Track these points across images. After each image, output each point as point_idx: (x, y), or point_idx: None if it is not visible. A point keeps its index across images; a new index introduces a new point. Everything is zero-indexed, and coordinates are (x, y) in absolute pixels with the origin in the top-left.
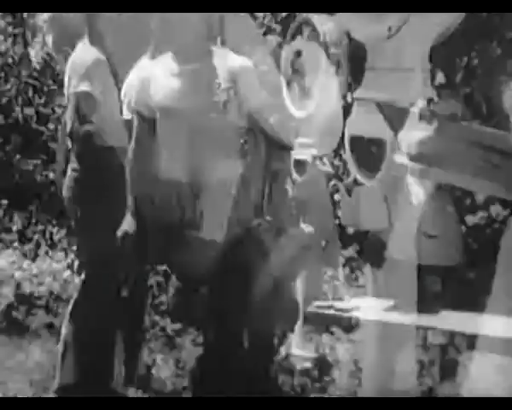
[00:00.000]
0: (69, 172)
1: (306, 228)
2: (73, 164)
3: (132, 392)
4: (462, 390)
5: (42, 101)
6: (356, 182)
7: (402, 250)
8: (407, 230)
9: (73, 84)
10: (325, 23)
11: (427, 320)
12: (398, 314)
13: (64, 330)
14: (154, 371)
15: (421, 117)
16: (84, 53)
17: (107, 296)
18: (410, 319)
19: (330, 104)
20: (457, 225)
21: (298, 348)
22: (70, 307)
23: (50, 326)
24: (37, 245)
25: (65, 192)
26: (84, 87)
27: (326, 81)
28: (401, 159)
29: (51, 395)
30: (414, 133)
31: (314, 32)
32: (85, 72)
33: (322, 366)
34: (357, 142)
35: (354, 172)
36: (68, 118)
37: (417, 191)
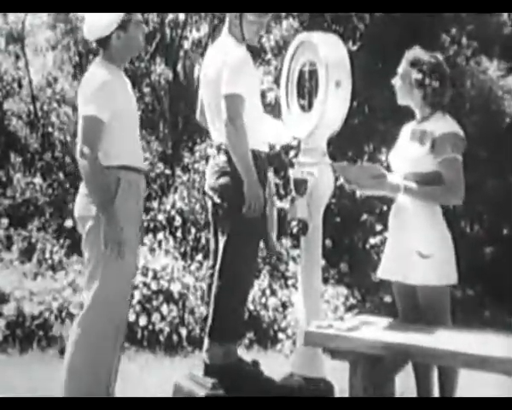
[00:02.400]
0: None
1: None
2: None
3: None
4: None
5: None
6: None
7: (392, 271)
8: (399, 250)
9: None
10: (326, 44)
11: (423, 340)
12: (397, 333)
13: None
14: None
15: (413, 136)
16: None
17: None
18: (408, 338)
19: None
20: (451, 245)
21: (298, 368)
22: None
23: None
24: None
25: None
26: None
27: (326, 100)
28: (394, 179)
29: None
30: (405, 152)
31: (314, 52)
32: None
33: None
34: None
35: None
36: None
37: (410, 211)
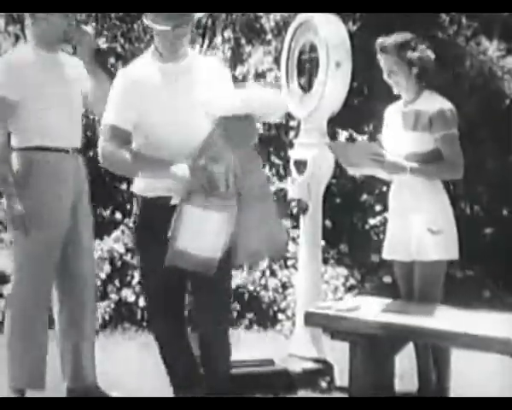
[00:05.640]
0: None
1: None
2: None
3: None
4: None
5: None
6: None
7: (398, 250)
8: (407, 230)
9: None
10: (326, 24)
11: (423, 320)
12: (397, 315)
13: None
14: None
15: (405, 117)
16: None
17: None
18: (408, 318)
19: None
20: (454, 221)
21: (298, 349)
22: None
23: None
24: None
25: None
26: None
27: (326, 81)
28: (395, 159)
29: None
30: (400, 134)
31: (315, 33)
32: None
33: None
34: None
35: None
36: None
37: (414, 190)
